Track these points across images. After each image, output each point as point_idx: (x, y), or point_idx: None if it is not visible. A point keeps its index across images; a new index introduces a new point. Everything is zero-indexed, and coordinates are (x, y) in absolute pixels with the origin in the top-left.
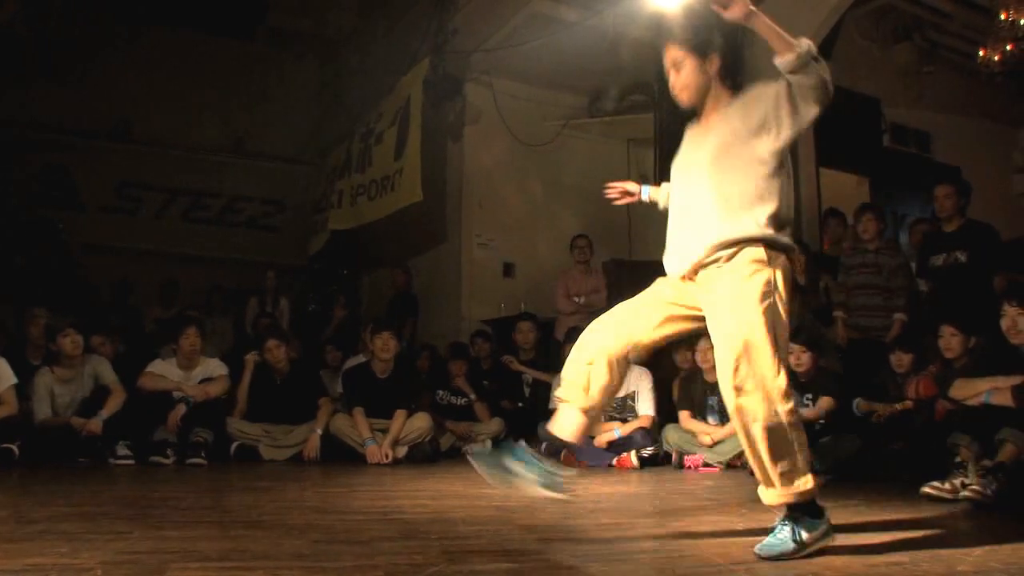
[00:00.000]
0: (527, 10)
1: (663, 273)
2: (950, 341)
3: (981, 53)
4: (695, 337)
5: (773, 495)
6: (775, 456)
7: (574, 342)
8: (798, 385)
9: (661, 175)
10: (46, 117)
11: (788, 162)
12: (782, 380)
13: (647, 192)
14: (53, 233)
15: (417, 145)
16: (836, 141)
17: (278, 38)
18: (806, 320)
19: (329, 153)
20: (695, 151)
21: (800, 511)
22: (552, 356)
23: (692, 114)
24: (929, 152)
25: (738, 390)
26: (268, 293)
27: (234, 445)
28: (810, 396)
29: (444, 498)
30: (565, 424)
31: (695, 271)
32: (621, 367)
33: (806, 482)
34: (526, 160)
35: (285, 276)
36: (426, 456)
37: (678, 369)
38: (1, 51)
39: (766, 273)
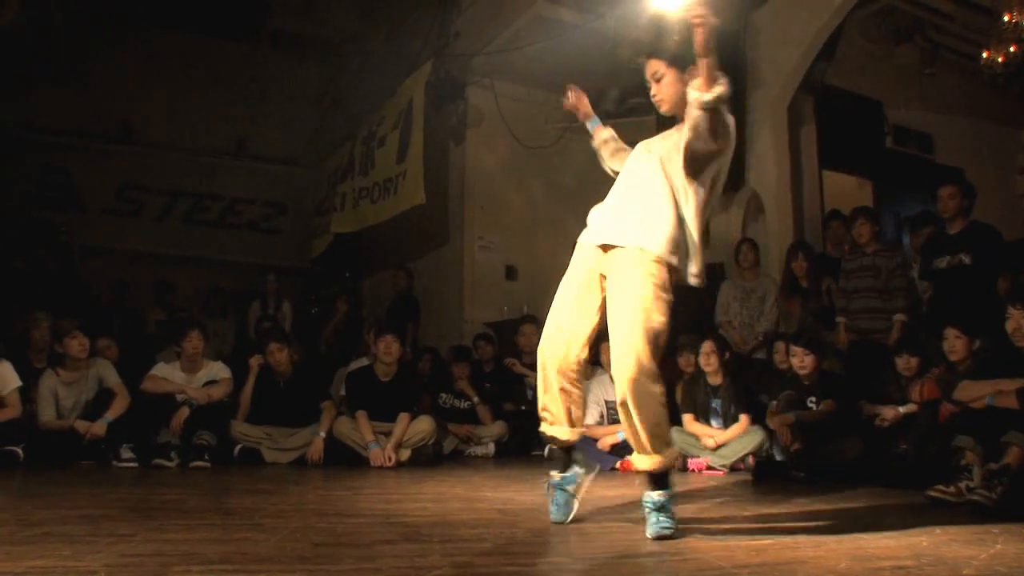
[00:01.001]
0: (529, 13)
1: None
2: (954, 344)
3: (984, 55)
4: (699, 341)
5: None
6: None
7: None
8: (801, 387)
9: None
10: (48, 119)
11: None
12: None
13: (593, 124)
14: (54, 235)
15: (419, 148)
16: (838, 143)
17: (280, 41)
18: (808, 323)
19: (331, 156)
20: (657, 145)
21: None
22: None
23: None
24: (932, 154)
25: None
26: (270, 296)
27: (237, 448)
28: (813, 399)
29: (447, 501)
30: (562, 435)
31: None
32: (583, 370)
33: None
34: (528, 162)
35: (287, 279)
36: (429, 459)
37: (681, 372)
38: (3, 53)
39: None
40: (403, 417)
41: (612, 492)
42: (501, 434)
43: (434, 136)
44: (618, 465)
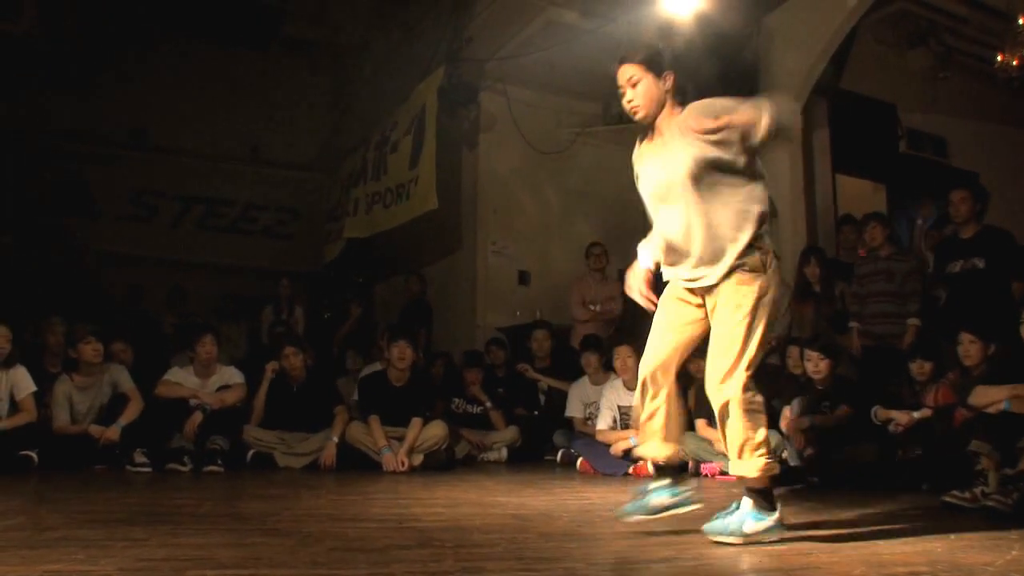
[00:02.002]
0: (542, 18)
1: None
2: (969, 348)
3: (999, 58)
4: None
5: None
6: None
7: (591, 350)
8: (815, 392)
9: None
10: (63, 126)
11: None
12: None
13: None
14: (68, 241)
15: (432, 153)
16: (852, 147)
17: (293, 47)
18: (821, 327)
19: (344, 161)
20: (662, 167)
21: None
22: (567, 364)
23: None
24: (946, 157)
25: None
26: (283, 301)
27: (250, 453)
28: (827, 404)
29: (459, 506)
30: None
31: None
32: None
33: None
34: (541, 167)
35: (300, 284)
36: (441, 464)
37: (693, 378)
38: (19, 61)
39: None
40: (416, 422)
41: (625, 497)
42: (513, 439)
43: (447, 141)
44: (631, 470)
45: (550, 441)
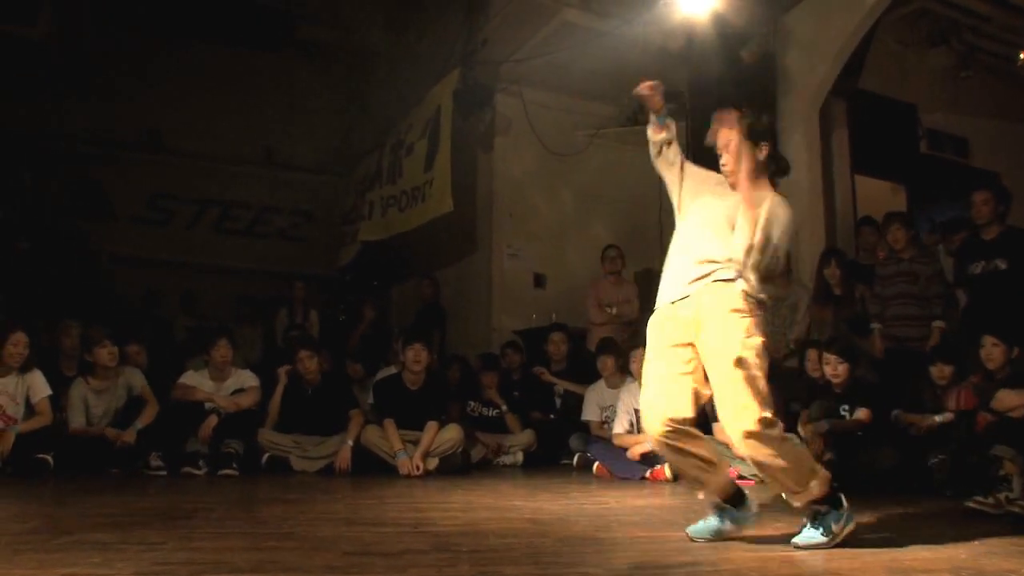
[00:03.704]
0: (557, 20)
1: None
2: (991, 352)
3: (1022, 56)
4: None
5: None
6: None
7: (607, 353)
8: (833, 396)
9: None
10: (78, 129)
11: None
12: None
13: (661, 120)
14: (83, 245)
15: (447, 156)
16: (871, 148)
17: (307, 50)
18: (841, 330)
19: (358, 164)
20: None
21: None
22: (584, 367)
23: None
24: (967, 158)
25: None
26: (297, 304)
27: (265, 456)
28: (846, 407)
29: (475, 510)
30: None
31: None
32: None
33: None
34: (556, 170)
35: (314, 287)
36: (457, 468)
37: None
38: (34, 65)
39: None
40: (431, 426)
41: (642, 501)
42: (529, 443)
43: (462, 144)
44: (648, 474)
45: (566, 445)
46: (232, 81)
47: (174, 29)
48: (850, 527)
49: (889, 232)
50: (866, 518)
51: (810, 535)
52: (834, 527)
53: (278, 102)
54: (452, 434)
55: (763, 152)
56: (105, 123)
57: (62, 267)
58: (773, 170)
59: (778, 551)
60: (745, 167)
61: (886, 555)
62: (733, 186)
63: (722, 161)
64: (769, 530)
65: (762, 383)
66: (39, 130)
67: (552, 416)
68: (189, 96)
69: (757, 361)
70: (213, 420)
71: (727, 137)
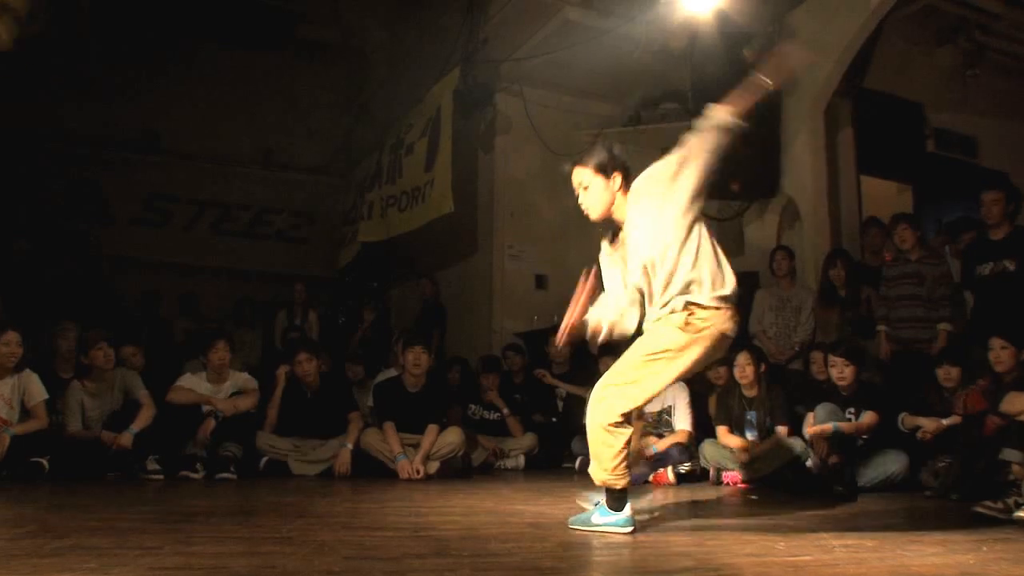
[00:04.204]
0: (558, 18)
1: None
2: (1000, 354)
3: None
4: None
5: None
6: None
7: (609, 356)
8: (839, 398)
9: None
10: (76, 130)
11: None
12: None
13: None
14: (82, 246)
15: (448, 156)
16: (877, 148)
17: (307, 49)
18: (846, 332)
19: (358, 164)
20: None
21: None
22: (586, 370)
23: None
24: (975, 157)
25: None
26: (297, 306)
27: (263, 460)
28: (852, 410)
29: (476, 514)
30: None
31: None
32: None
33: None
34: (558, 170)
35: (314, 289)
36: (458, 471)
37: (712, 384)
38: (31, 65)
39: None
40: (431, 429)
41: (644, 504)
42: (531, 446)
43: (462, 144)
44: (650, 478)
45: (568, 448)
46: (231, 81)
47: (173, 29)
48: (619, 528)
49: (896, 233)
50: (872, 522)
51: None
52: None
53: (278, 102)
54: (453, 437)
55: (616, 182)
56: (103, 123)
57: (61, 268)
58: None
59: (781, 556)
60: (601, 200)
61: (892, 560)
62: (594, 219)
63: (579, 200)
64: (773, 535)
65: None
66: (37, 130)
67: (554, 419)
68: (188, 96)
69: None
70: (211, 423)
71: (579, 176)
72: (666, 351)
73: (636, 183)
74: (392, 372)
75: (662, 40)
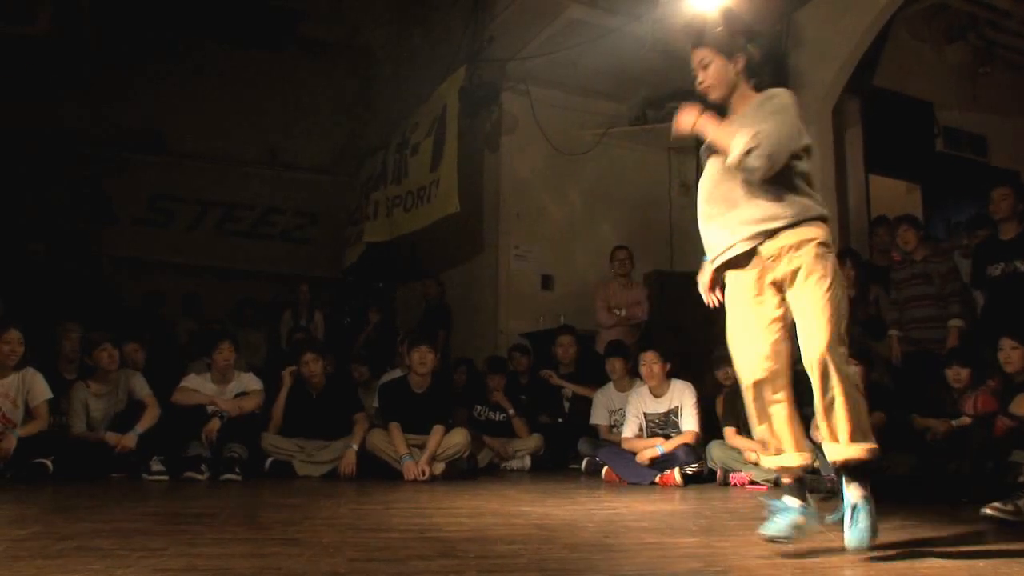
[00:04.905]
0: (564, 17)
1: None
2: (1010, 355)
3: None
4: None
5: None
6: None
7: (616, 356)
8: None
9: None
10: (79, 130)
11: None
12: None
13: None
14: (84, 246)
15: (454, 155)
16: (886, 146)
17: (311, 48)
18: (855, 332)
19: (363, 164)
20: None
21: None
22: (592, 370)
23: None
24: (985, 156)
25: None
26: (302, 306)
27: (268, 461)
28: None
29: (482, 516)
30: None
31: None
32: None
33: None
34: (564, 170)
35: (319, 289)
36: (464, 473)
37: (720, 385)
38: (34, 64)
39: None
40: (437, 430)
41: (651, 507)
42: (537, 447)
43: (468, 143)
44: (657, 479)
45: (574, 449)
46: (235, 80)
47: (176, 28)
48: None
49: (898, 235)
50: (881, 525)
51: (859, 535)
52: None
53: (282, 101)
54: (458, 438)
55: (739, 64)
56: (105, 123)
57: (66, 269)
58: (754, 84)
59: (790, 559)
60: (721, 78)
61: (902, 563)
62: (716, 101)
63: (699, 79)
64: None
65: None
66: (39, 130)
67: (560, 420)
68: (191, 96)
69: None
70: (216, 423)
71: (700, 55)
72: None
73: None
74: (397, 373)
75: (668, 38)
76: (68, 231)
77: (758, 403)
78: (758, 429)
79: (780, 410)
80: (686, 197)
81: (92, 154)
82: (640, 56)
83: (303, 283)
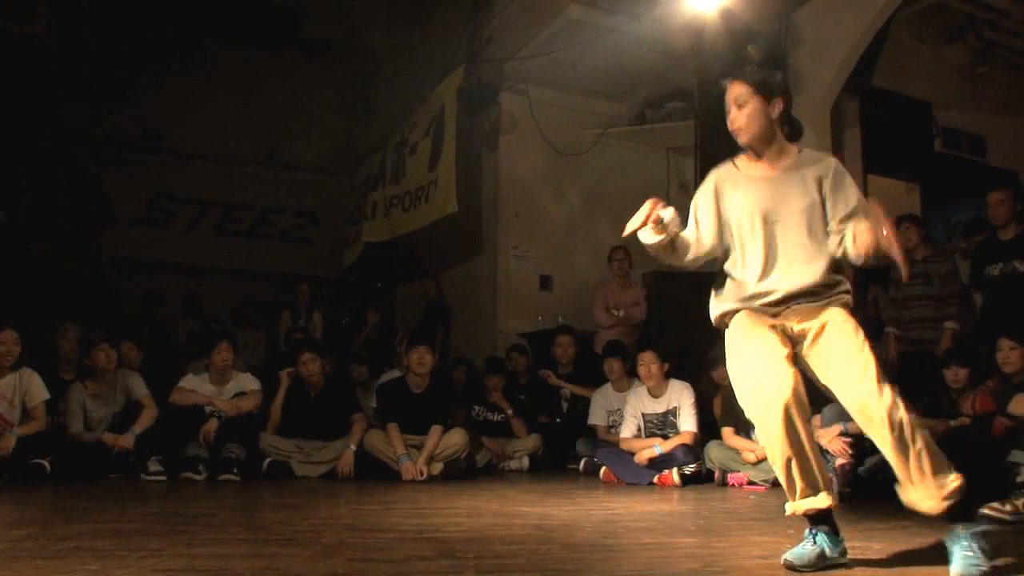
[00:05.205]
0: (563, 17)
1: (704, 284)
2: (1009, 355)
3: None
4: None
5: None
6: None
7: (614, 356)
8: None
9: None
10: (78, 129)
11: None
12: None
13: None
14: (84, 246)
15: (452, 155)
16: (884, 146)
17: (310, 48)
18: None
19: (362, 164)
20: (775, 197)
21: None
22: (591, 370)
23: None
24: (984, 156)
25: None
26: (301, 306)
27: (266, 461)
28: None
29: (480, 516)
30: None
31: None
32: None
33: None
34: (563, 170)
35: (318, 289)
36: (462, 473)
37: (718, 385)
38: (33, 64)
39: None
40: (435, 430)
41: (649, 507)
42: (536, 447)
43: (467, 143)
44: (655, 480)
45: (573, 449)
46: (234, 80)
47: (176, 28)
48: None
49: (899, 233)
50: (878, 525)
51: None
52: (986, 546)
53: (281, 101)
54: (457, 438)
55: (777, 108)
56: (105, 123)
57: (65, 269)
58: (787, 132)
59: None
60: (757, 125)
61: (900, 562)
62: (745, 145)
63: (731, 118)
64: (780, 538)
65: None
66: (38, 130)
67: (558, 420)
68: (190, 95)
69: None
70: (214, 424)
71: (736, 91)
72: None
73: (836, 163)
74: (396, 373)
75: (667, 38)
76: (68, 231)
77: (790, 431)
78: (780, 463)
79: (809, 440)
80: (685, 197)
81: (92, 154)
82: (639, 56)
83: (302, 283)
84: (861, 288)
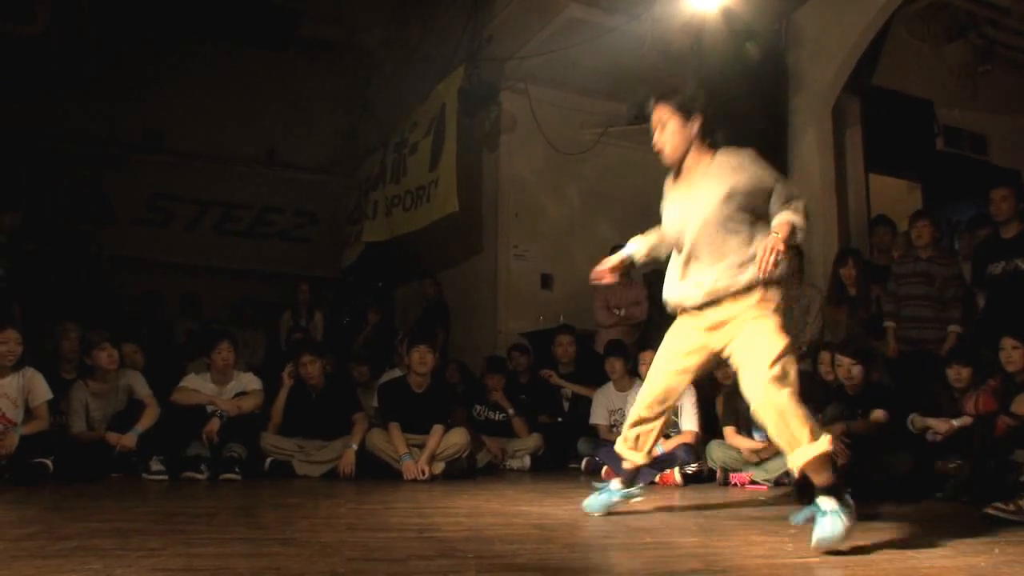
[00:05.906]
0: (563, 16)
1: None
2: (1011, 354)
3: None
4: None
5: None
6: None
7: (615, 355)
8: (848, 399)
9: None
10: (78, 129)
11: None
12: None
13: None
14: (84, 246)
15: (452, 155)
16: (886, 145)
17: (310, 48)
18: (856, 332)
19: (362, 163)
20: (688, 205)
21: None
22: (592, 370)
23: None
24: (986, 155)
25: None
26: (301, 306)
27: (268, 460)
28: (860, 411)
29: (481, 515)
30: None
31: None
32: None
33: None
34: (563, 169)
35: (318, 289)
36: (463, 472)
37: (720, 384)
38: (33, 64)
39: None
40: (437, 429)
41: (650, 506)
42: (537, 447)
43: (467, 142)
44: (657, 479)
45: (574, 449)
46: (234, 80)
47: (175, 28)
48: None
49: (914, 228)
50: (882, 525)
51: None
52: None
53: (280, 101)
54: (458, 438)
55: (695, 125)
56: (105, 123)
57: (64, 269)
58: (708, 143)
59: (790, 559)
60: (677, 142)
61: (902, 563)
62: (668, 163)
63: (654, 139)
64: (782, 537)
65: None
66: (38, 130)
67: (560, 419)
68: (190, 96)
69: None
70: (215, 423)
71: (658, 114)
72: None
73: (746, 157)
74: (397, 372)
75: (667, 38)
76: (67, 231)
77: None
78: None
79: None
80: None
81: (91, 154)
82: (639, 55)
83: (303, 283)
84: (864, 287)
